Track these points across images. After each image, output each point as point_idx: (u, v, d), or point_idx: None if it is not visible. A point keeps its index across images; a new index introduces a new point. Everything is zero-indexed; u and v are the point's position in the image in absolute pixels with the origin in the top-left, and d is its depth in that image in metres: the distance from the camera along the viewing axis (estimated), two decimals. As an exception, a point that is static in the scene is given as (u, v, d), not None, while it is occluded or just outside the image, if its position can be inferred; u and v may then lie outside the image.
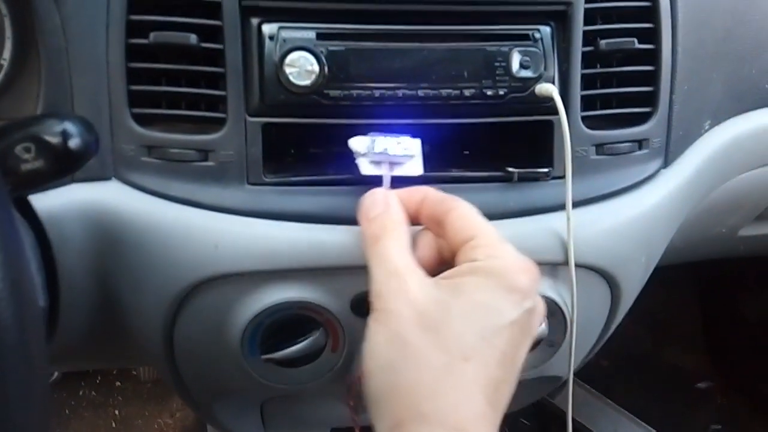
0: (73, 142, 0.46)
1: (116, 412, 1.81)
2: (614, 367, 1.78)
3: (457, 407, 0.49)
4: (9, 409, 0.31)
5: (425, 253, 0.57)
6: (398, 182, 0.61)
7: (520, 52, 0.65)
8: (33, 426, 0.33)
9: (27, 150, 0.44)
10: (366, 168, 0.61)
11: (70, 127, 0.46)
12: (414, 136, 0.72)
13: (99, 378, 1.87)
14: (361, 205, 0.58)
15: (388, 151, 0.61)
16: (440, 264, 0.57)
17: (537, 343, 0.76)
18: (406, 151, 0.61)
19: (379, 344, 0.51)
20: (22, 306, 0.33)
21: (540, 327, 0.74)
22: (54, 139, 0.45)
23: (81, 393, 1.84)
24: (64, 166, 0.46)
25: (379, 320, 0.52)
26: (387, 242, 0.55)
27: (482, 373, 0.50)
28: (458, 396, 0.49)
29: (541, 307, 0.57)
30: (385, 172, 0.61)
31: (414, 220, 0.58)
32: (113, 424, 1.79)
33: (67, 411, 1.79)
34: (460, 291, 0.52)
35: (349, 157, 0.62)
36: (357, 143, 0.61)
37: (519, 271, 0.53)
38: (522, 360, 0.54)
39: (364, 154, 0.61)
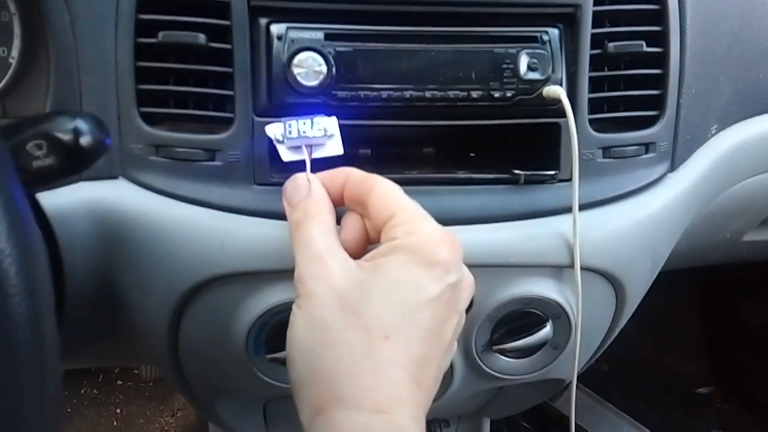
0: (85, 140, 0.46)
1: (118, 410, 1.82)
2: (615, 372, 1.78)
3: (377, 388, 0.48)
4: (23, 405, 0.32)
5: (351, 235, 0.57)
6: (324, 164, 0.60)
7: (528, 54, 0.65)
8: (45, 421, 0.33)
9: (39, 147, 0.44)
10: (286, 155, 0.60)
11: (81, 124, 0.46)
12: (419, 136, 0.72)
13: (101, 376, 1.87)
14: (284, 191, 0.58)
15: (305, 134, 0.59)
16: (367, 245, 0.57)
17: (541, 346, 0.76)
18: (324, 132, 0.60)
19: (301, 330, 0.51)
20: (38, 301, 0.33)
21: (544, 329, 0.74)
22: (66, 136, 0.45)
23: (83, 391, 1.84)
24: (76, 163, 0.46)
25: (300, 306, 0.52)
26: (310, 227, 0.54)
27: (404, 350, 0.50)
28: (378, 376, 0.49)
29: (469, 280, 0.57)
30: (305, 156, 0.59)
31: (338, 202, 0.58)
32: (115, 423, 1.79)
33: (69, 409, 1.79)
34: (381, 270, 0.52)
35: (355, 157, 0.62)
36: (272, 130, 0.60)
37: (438, 245, 0.52)
38: (450, 336, 0.54)
39: (281, 141, 0.60)
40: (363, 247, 0.57)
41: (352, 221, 0.58)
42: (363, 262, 0.53)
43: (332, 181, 0.58)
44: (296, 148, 0.60)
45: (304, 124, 0.59)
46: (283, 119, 0.60)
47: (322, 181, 0.57)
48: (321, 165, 0.59)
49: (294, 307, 0.53)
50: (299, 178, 0.58)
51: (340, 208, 0.58)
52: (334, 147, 0.60)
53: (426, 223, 0.54)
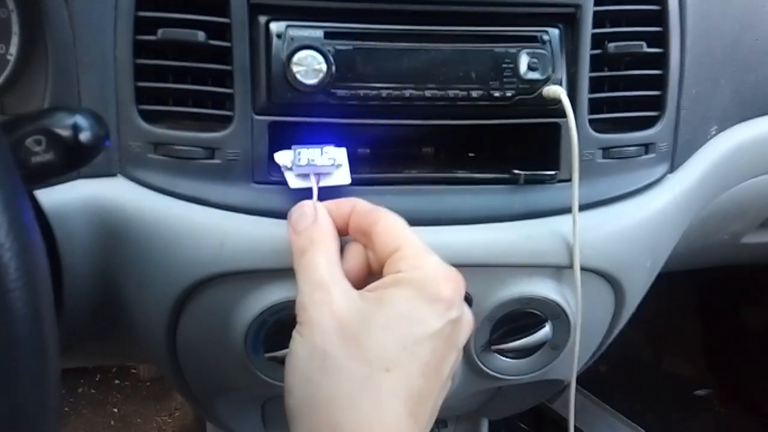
0: (84, 136, 0.45)
1: (115, 410, 1.82)
2: (613, 373, 1.77)
3: (374, 419, 0.48)
4: (21, 401, 0.31)
5: (354, 265, 0.57)
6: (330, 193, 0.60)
7: (528, 53, 0.65)
8: (44, 418, 0.33)
9: (38, 143, 0.44)
10: (293, 182, 0.61)
11: (81, 120, 0.45)
12: (419, 135, 0.72)
13: (98, 376, 1.87)
14: (290, 217, 0.58)
15: (314, 162, 0.60)
16: (369, 276, 0.57)
17: (540, 346, 0.76)
18: (333, 161, 0.61)
19: (301, 359, 0.51)
20: (37, 296, 0.33)
21: (543, 330, 0.74)
22: (65, 132, 0.45)
23: (80, 390, 1.84)
24: (75, 160, 0.46)
25: (302, 333, 0.52)
26: (314, 255, 0.54)
27: (403, 383, 0.50)
28: (376, 407, 0.49)
29: (469, 318, 0.57)
30: (312, 184, 0.60)
31: (343, 232, 0.58)
32: (112, 422, 1.79)
33: (66, 408, 1.79)
34: (383, 302, 0.52)
35: (355, 156, 0.62)
36: (281, 157, 0.61)
37: (442, 281, 0.52)
38: (449, 372, 0.54)
39: (290, 168, 0.60)
40: (364, 278, 0.57)
41: (355, 252, 0.58)
42: (366, 292, 0.53)
43: (338, 210, 0.58)
44: (304, 176, 0.61)
45: (314, 152, 0.60)
46: (292, 147, 0.60)
47: (328, 209, 0.58)
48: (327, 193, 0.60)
49: (295, 333, 0.53)
50: (305, 206, 0.58)
51: (343, 237, 0.58)
52: (342, 176, 0.61)
53: (431, 258, 0.54)
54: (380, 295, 0.52)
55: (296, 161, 0.60)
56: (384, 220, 0.56)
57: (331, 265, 0.54)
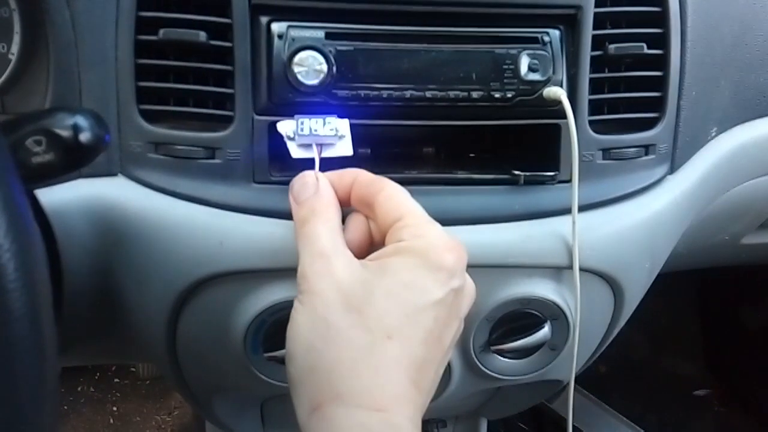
0: (84, 136, 0.45)
1: (114, 408, 1.81)
2: (612, 373, 1.77)
3: (376, 386, 0.49)
4: (19, 401, 0.31)
5: (356, 235, 0.57)
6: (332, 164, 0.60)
7: (528, 55, 0.65)
8: (43, 418, 0.33)
9: (38, 143, 0.44)
10: (295, 152, 0.60)
11: (81, 120, 0.46)
12: (419, 135, 0.72)
13: (98, 374, 1.87)
14: (291, 188, 0.58)
15: (316, 133, 0.60)
16: (371, 246, 0.57)
17: (539, 347, 0.76)
18: (335, 132, 0.60)
19: (302, 326, 0.51)
20: (36, 296, 0.33)
21: (543, 330, 0.74)
22: (65, 133, 0.45)
23: (79, 389, 1.84)
24: (75, 160, 0.46)
25: (303, 302, 0.52)
26: (315, 225, 0.54)
27: (405, 351, 0.50)
28: (378, 375, 0.49)
29: (471, 288, 0.57)
30: (314, 154, 0.60)
31: (345, 203, 0.58)
32: (111, 421, 1.79)
33: (65, 407, 1.79)
34: (386, 271, 0.52)
35: (355, 156, 0.62)
36: (284, 127, 0.60)
37: (444, 250, 0.52)
38: (450, 341, 0.54)
39: (292, 138, 0.60)
40: (366, 248, 0.57)
41: (357, 222, 0.58)
42: (368, 261, 0.53)
43: (340, 180, 0.58)
44: (306, 146, 0.60)
45: (316, 122, 0.60)
46: (295, 116, 0.60)
47: (330, 180, 0.58)
48: (328, 165, 0.59)
49: (296, 303, 0.53)
50: (307, 176, 0.58)
51: (345, 208, 0.58)
52: (344, 148, 0.61)
53: (433, 227, 0.54)
54: (382, 263, 0.52)
55: (299, 131, 0.59)
56: (386, 190, 0.56)
57: (333, 236, 0.54)
